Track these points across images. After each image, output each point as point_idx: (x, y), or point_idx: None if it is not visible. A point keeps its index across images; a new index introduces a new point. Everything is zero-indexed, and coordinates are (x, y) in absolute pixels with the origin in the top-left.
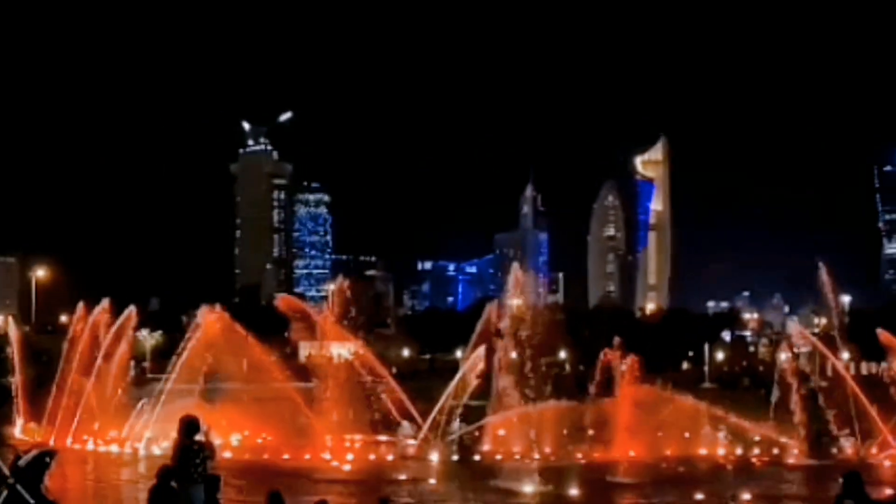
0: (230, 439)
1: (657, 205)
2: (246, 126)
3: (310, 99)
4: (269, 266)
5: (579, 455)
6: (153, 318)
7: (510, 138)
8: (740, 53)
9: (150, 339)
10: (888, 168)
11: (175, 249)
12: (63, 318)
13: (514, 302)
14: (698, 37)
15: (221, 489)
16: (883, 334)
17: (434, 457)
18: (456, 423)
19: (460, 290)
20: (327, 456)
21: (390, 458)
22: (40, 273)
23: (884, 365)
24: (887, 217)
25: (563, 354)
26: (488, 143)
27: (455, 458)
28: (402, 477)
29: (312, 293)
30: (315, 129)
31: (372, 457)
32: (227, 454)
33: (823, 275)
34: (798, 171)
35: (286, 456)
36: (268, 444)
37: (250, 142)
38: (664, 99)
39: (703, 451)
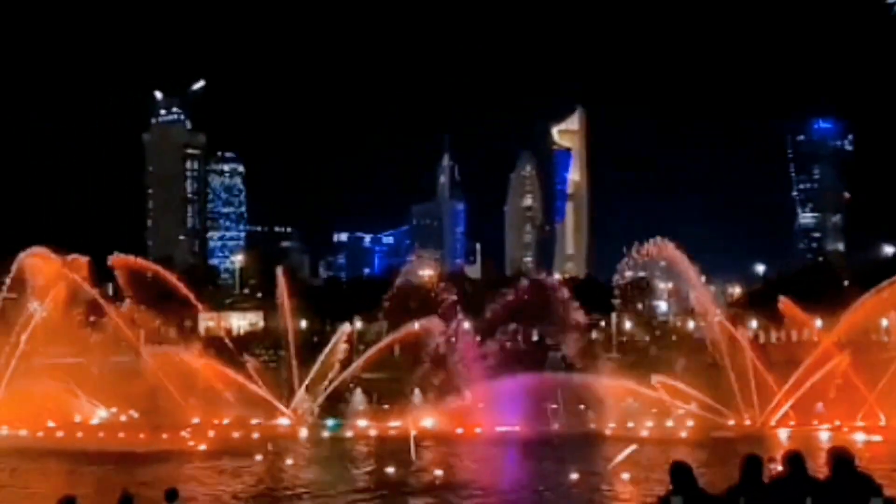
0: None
1: (575, 175)
2: (158, 96)
3: (223, 67)
4: (182, 237)
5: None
6: None
7: (426, 108)
8: (655, 22)
9: None
10: (801, 137)
11: (86, 220)
12: None
13: (426, 273)
14: (613, 5)
15: None
16: (784, 303)
17: (304, 434)
18: (358, 396)
19: (377, 261)
20: (185, 435)
21: (255, 436)
22: None
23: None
24: (801, 186)
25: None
26: (404, 112)
27: (327, 434)
28: (258, 457)
29: (227, 264)
30: (228, 99)
31: (235, 435)
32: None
33: (675, 251)
34: (714, 141)
35: (142, 436)
36: (132, 423)
37: (163, 111)
38: (581, 68)
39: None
